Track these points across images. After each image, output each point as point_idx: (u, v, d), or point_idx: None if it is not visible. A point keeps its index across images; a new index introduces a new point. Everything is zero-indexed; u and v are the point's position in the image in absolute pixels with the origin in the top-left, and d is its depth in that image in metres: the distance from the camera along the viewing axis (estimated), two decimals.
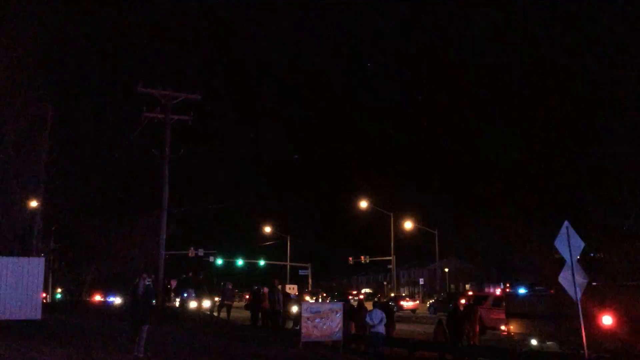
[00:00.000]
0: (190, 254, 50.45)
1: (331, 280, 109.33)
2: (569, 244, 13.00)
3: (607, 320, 14.06)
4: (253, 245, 73.06)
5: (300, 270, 67.37)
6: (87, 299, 51.67)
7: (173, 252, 46.57)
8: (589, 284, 13.37)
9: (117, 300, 49.08)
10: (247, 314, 27.63)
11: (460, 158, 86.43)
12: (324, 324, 16.92)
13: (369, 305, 20.37)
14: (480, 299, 26.34)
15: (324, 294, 63.52)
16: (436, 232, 56.71)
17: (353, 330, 19.34)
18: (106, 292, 55.12)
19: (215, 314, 30.85)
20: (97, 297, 55.50)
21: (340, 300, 27.28)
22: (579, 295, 12.83)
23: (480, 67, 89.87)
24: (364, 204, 53.42)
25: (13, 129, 25.83)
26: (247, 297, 42.00)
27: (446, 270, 71.20)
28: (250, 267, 65.90)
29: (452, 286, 74.91)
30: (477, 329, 18.31)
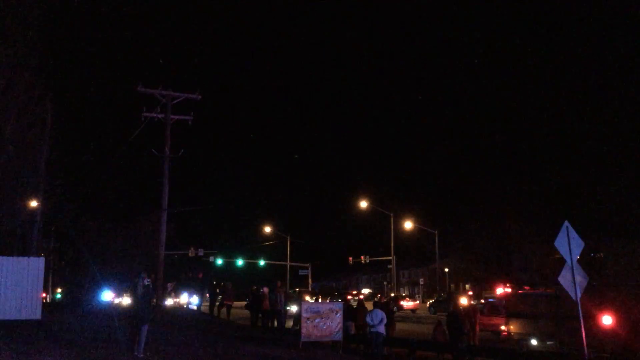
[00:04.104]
0: (190, 254, 50.47)
1: (331, 281, 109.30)
2: (569, 244, 12.99)
3: (607, 320, 14.05)
4: (253, 245, 73.10)
5: (300, 270, 67.34)
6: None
7: (173, 252, 46.57)
8: (589, 284, 13.36)
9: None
10: (247, 314, 27.63)
11: (461, 158, 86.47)
12: (324, 324, 16.91)
13: (369, 305, 20.36)
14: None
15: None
16: (436, 232, 56.69)
17: (353, 330, 19.33)
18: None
19: (215, 314, 30.86)
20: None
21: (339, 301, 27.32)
22: (579, 295, 12.82)
23: (481, 67, 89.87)
24: (364, 204, 53.40)
25: (13, 129, 25.82)
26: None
27: (446, 270, 71.17)
28: (250, 267, 65.89)
29: (452, 286, 74.87)
30: (477, 328, 18.31)
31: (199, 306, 37.09)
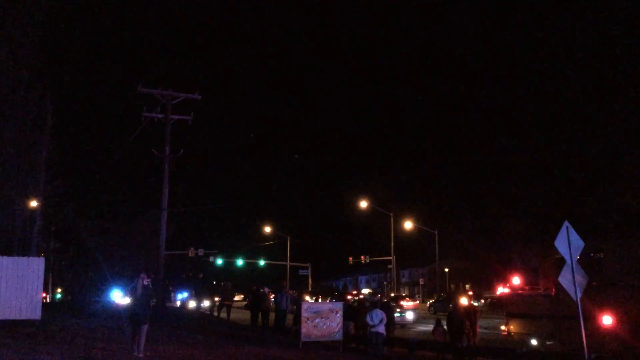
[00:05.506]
0: (190, 254, 50.43)
1: (331, 281, 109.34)
2: (569, 244, 12.97)
3: (607, 320, 14.04)
4: (253, 245, 73.07)
5: (300, 270, 67.30)
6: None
7: (173, 252, 46.55)
8: (589, 284, 13.35)
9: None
10: (247, 313, 27.65)
11: (461, 158, 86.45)
12: (324, 324, 16.92)
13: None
14: None
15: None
16: (436, 232, 56.69)
17: (353, 330, 19.33)
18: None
19: (215, 314, 30.87)
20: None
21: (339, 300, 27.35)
22: (579, 295, 12.80)
23: (480, 67, 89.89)
24: (364, 204, 53.37)
25: (13, 129, 25.83)
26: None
27: (446, 270, 71.19)
28: (250, 267, 65.83)
29: (452, 286, 74.91)
30: (477, 328, 18.28)
31: (199, 306, 37.07)
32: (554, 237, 13.34)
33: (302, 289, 52.04)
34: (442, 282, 67.59)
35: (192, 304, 43.03)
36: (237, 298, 55.42)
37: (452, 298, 32.33)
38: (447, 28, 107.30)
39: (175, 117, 29.95)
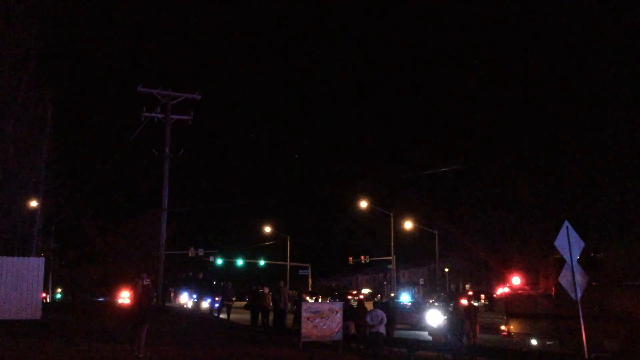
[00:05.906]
0: (190, 254, 50.42)
1: (331, 281, 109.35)
2: (569, 244, 12.97)
3: (606, 319, 14.04)
4: (253, 245, 73.05)
5: (300, 270, 67.26)
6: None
7: (173, 252, 46.55)
8: (589, 284, 13.35)
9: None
10: (247, 313, 27.64)
11: (461, 158, 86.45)
12: (324, 324, 16.91)
13: (369, 306, 20.34)
14: None
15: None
16: (436, 232, 56.65)
17: (353, 330, 19.32)
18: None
19: (215, 314, 30.84)
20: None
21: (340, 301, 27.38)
22: (579, 295, 12.81)
23: (480, 67, 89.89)
24: (364, 204, 53.31)
25: (13, 129, 25.83)
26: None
27: (446, 270, 71.12)
28: (250, 267, 65.80)
29: (452, 286, 74.86)
30: (477, 328, 18.29)
31: (215, 308, 36.70)
32: (554, 237, 13.34)
33: (302, 289, 52.01)
34: (442, 282, 67.54)
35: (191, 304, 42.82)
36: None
37: (453, 298, 32.30)
38: (448, 28, 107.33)
39: (175, 117, 29.98)
